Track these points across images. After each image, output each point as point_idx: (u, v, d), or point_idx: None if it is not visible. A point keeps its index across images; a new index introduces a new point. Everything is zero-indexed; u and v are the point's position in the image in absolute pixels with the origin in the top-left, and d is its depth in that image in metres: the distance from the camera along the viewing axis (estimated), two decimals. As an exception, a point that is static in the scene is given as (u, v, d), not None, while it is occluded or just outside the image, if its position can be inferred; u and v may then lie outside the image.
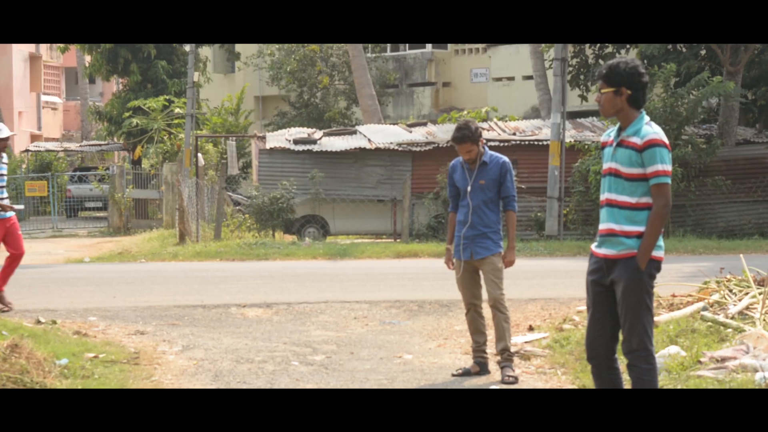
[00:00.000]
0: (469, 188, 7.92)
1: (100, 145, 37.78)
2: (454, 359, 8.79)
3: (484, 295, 8.08)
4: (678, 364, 7.40)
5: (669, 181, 5.47)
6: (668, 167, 5.45)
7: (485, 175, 7.89)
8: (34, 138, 43.52)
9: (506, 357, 7.91)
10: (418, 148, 23.08)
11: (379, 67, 34.42)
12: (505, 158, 7.98)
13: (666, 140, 5.49)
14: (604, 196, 5.62)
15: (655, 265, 5.51)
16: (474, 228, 7.89)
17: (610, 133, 5.70)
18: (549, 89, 25.23)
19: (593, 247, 5.70)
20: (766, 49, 23.80)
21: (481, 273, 8.02)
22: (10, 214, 11.70)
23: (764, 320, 8.45)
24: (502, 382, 7.73)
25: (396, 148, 23.07)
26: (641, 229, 5.47)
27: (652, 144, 5.44)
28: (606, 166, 5.63)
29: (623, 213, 5.51)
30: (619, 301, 5.52)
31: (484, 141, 8.06)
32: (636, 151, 5.46)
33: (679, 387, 6.86)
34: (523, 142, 23.13)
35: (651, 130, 5.48)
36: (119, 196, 28.72)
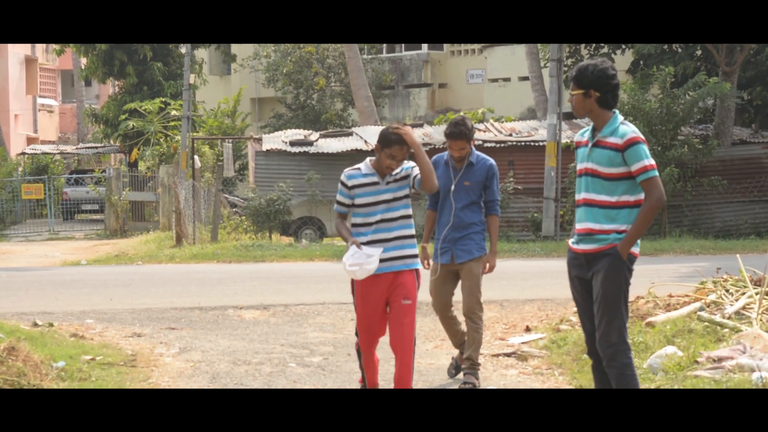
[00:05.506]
0: (452, 188, 7.55)
1: (96, 147, 37.80)
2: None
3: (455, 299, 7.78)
4: (675, 364, 7.40)
5: (657, 173, 5.52)
6: (653, 161, 5.52)
7: (471, 176, 7.54)
8: (30, 141, 43.53)
9: (471, 365, 7.59)
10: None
11: (375, 68, 34.41)
12: (492, 161, 7.65)
13: (643, 137, 5.57)
14: (581, 196, 5.66)
15: (631, 259, 5.57)
16: (456, 230, 7.54)
17: (584, 133, 5.75)
18: (545, 90, 25.25)
19: (571, 243, 5.73)
20: (761, 50, 23.84)
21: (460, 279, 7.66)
22: None
23: (761, 320, 8.46)
24: (461, 384, 7.54)
25: (392, 149, 23.05)
26: (622, 227, 5.53)
27: (633, 142, 5.50)
28: (582, 166, 5.67)
29: (602, 212, 5.56)
30: (597, 294, 5.55)
31: (475, 141, 7.76)
32: (616, 151, 5.51)
33: (676, 387, 6.87)
34: (519, 143, 23.15)
35: (629, 129, 5.55)
36: (116, 198, 28.70)
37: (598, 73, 5.55)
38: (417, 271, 6.51)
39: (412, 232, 6.52)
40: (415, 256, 6.48)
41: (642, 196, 5.59)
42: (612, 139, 5.54)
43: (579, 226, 5.66)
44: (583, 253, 5.62)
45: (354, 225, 6.50)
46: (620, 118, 5.60)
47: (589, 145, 5.63)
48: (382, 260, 6.33)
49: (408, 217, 6.49)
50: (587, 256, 5.60)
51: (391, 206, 6.43)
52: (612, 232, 5.53)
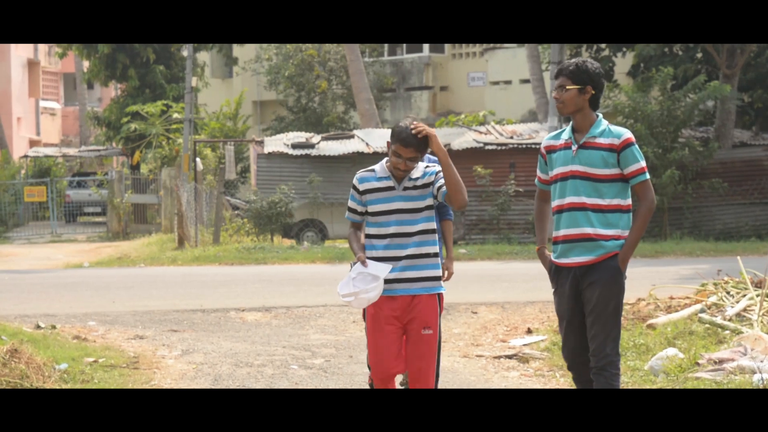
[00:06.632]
0: None
1: (98, 150, 37.78)
2: (453, 362, 8.80)
3: None
4: (676, 366, 7.42)
5: (648, 176, 5.42)
6: (645, 163, 5.41)
7: None
8: (32, 143, 43.54)
9: None
10: (415, 152, 23.10)
11: (376, 71, 34.44)
12: None
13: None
14: (566, 200, 5.43)
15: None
16: None
17: (558, 136, 5.55)
18: (546, 92, 25.28)
19: (555, 258, 5.50)
20: (762, 52, 23.87)
21: None
22: None
23: (762, 322, 8.48)
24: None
25: (394, 152, 23.07)
26: (617, 232, 5.38)
27: (630, 143, 5.37)
28: (565, 169, 5.43)
29: (596, 216, 5.37)
30: (594, 306, 5.38)
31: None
32: (612, 152, 5.35)
33: (677, 389, 6.89)
34: (520, 146, 23.17)
35: (622, 129, 5.42)
36: (118, 201, 28.72)
37: (597, 71, 5.41)
38: (440, 295, 5.52)
39: (436, 249, 5.49)
40: (437, 278, 5.50)
41: (631, 200, 5.47)
42: (604, 140, 5.38)
43: (569, 231, 5.42)
44: (576, 267, 5.41)
45: (368, 236, 5.53)
46: (604, 120, 5.47)
47: (574, 147, 5.42)
48: (397, 281, 5.40)
49: (430, 231, 5.46)
50: (581, 268, 5.40)
51: (408, 217, 5.41)
52: (610, 238, 5.36)
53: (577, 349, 5.53)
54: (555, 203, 5.50)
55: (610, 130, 5.40)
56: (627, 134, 5.40)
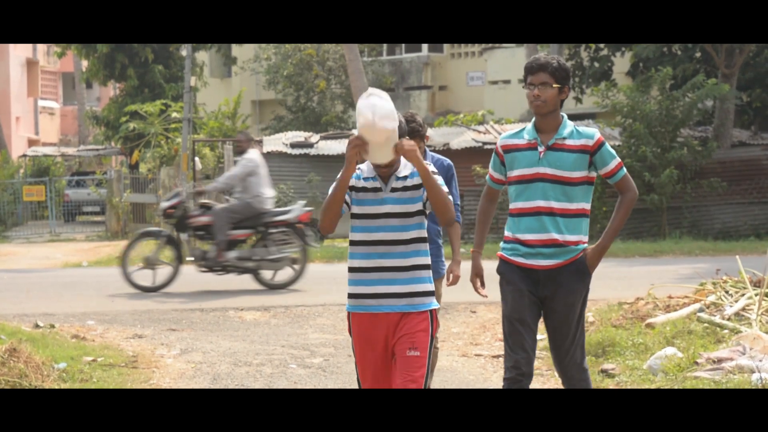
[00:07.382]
0: None
1: (97, 149, 37.78)
2: (452, 362, 8.81)
3: None
4: (675, 365, 7.43)
5: (625, 168, 5.29)
6: (619, 158, 5.26)
7: None
8: (31, 143, 43.56)
9: None
10: (414, 152, 23.10)
11: (375, 70, 34.43)
12: (449, 160, 6.64)
13: None
14: (532, 204, 5.20)
15: None
16: None
17: (519, 134, 5.31)
18: (545, 92, 25.27)
19: (517, 258, 5.24)
20: (760, 52, 23.89)
21: None
22: None
23: (760, 321, 8.49)
24: None
25: (393, 151, 23.07)
26: (580, 237, 5.21)
27: (603, 142, 5.21)
28: (529, 171, 5.20)
29: (564, 221, 5.18)
30: (562, 313, 5.22)
31: (428, 138, 6.62)
32: (584, 153, 5.17)
33: (676, 388, 6.89)
34: (519, 145, 23.18)
35: (591, 130, 5.25)
36: (117, 200, 28.70)
37: (569, 71, 5.27)
38: (432, 312, 4.89)
39: (427, 260, 4.91)
40: (430, 293, 4.89)
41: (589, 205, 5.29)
42: (574, 141, 5.18)
43: (534, 236, 5.20)
44: (541, 270, 5.19)
45: (352, 243, 4.94)
46: (569, 120, 5.29)
47: (540, 148, 5.19)
48: (382, 296, 4.83)
49: (421, 240, 4.88)
50: (547, 272, 5.19)
51: (398, 223, 4.84)
52: (579, 243, 5.20)
53: (528, 354, 5.24)
54: (517, 205, 5.27)
55: (578, 132, 5.22)
56: (598, 134, 5.23)
